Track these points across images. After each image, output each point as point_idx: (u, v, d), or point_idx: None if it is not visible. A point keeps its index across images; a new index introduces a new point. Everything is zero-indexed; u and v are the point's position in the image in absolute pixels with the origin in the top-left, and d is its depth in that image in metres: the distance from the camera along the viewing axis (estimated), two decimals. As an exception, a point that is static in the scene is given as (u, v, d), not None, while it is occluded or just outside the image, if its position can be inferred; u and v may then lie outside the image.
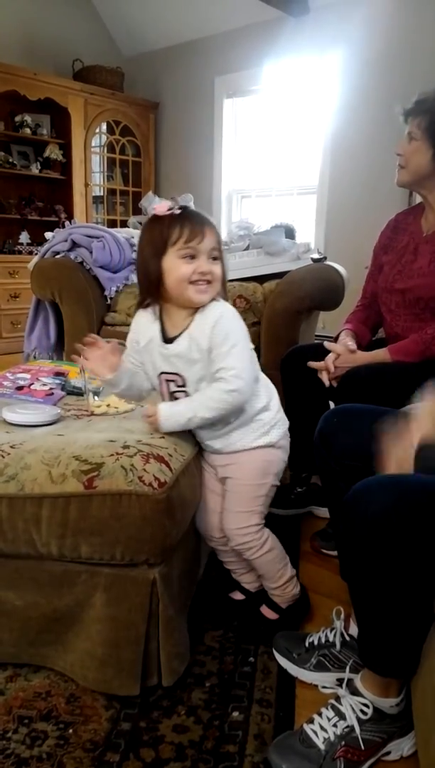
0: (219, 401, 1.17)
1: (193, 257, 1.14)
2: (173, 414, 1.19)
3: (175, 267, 1.14)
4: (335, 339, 1.74)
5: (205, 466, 1.34)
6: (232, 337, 1.17)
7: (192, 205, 1.19)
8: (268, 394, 1.29)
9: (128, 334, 1.31)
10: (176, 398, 1.25)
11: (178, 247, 1.13)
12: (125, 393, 1.31)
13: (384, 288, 1.71)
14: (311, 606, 1.44)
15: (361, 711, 1.01)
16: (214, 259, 1.17)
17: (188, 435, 1.31)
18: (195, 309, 1.19)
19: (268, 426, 1.28)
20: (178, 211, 1.15)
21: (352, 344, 1.64)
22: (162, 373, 1.24)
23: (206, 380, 1.20)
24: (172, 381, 1.24)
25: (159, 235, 1.15)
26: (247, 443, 1.27)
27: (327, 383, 1.63)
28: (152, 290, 1.20)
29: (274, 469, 1.31)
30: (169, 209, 1.15)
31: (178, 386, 1.24)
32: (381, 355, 1.58)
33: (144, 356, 1.27)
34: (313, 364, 1.67)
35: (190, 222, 1.14)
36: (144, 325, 1.26)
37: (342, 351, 1.63)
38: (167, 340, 1.22)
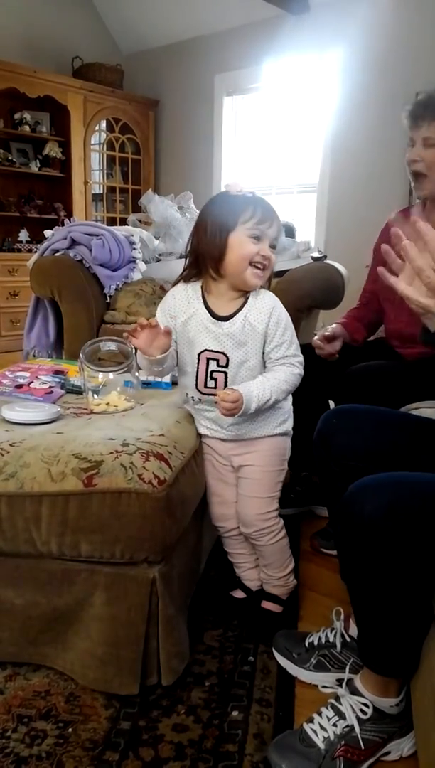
0: (291, 384, 1.24)
1: (258, 239, 1.17)
2: (252, 396, 1.18)
3: (241, 244, 1.17)
4: None
5: (215, 458, 1.35)
6: (289, 327, 1.25)
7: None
8: None
9: (160, 306, 1.30)
10: (214, 378, 1.25)
11: (249, 225, 1.16)
12: (161, 374, 1.31)
13: (386, 285, 1.69)
14: (310, 604, 1.44)
15: (361, 711, 1.01)
16: (273, 248, 1.20)
17: (188, 432, 1.31)
18: (244, 292, 1.23)
19: (287, 414, 1.34)
20: (250, 194, 1.19)
21: (330, 331, 1.67)
22: (205, 350, 1.24)
23: (249, 364, 1.23)
24: (215, 360, 1.24)
25: (232, 210, 1.17)
26: (269, 430, 1.30)
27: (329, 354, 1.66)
28: (209, 264, 1.20)
29: (288, 455, 1.37)
30: (240, 190, 1.18)
31: (220, 365, 1.24)
32: None
33: (181, 333, 1.27)
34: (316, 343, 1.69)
35: (262, 206, 1.18)
36: (182, 301, 1.26)
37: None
38: (219, 318, 1.22)
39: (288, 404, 1.35)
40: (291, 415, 1.36)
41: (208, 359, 1.24)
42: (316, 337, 1.70)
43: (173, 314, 1.27)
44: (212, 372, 1.25)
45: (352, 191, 4.07)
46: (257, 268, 1.18)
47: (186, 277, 1.27)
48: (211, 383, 1.26)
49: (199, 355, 1.25)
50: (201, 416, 1.34)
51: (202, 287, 1.25)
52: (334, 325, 1.74)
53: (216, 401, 1.19)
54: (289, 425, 1.34)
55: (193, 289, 1.26)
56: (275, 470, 1.34)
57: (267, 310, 1.22)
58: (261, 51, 4.36)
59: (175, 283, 1.29)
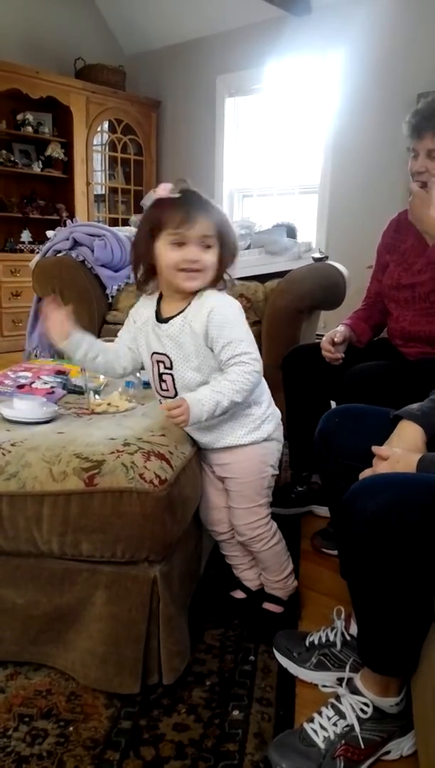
0: (244, 383, 1.17)
1: (180, 244, 1.14)
2: (200, 400, 1.14)
3: (164, 253, 1.15)
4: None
5: (205, 464, 1.35)
6: (237, 324, 1.19)
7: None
8: (259, 389, 1.28)
9: (131, 312, 1.34)
10: (164, 381, 1.25)
11: (167, 232, 1.14)
12: (89, 364, 1.31)
13: (391, 285, 1.70)
14: (310, 604, 1.44)
15: (361, 710, 1.01)
16: (208, 247, 1.16)
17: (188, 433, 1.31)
18: (192, 294, 1.21)
19: (259, 421, 1.27)
20: (177, 195, 1.14)
21: (339, 336, 1.67)
22: (154, 353, 1.25)
23: (192, 364, 1.21)
24: (161, 362, 1.24)
25: (154, 218, 1.16)
26: (237, 439, 1.26)
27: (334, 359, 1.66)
28: (145, 273, 1.22)
29: (271, 460, 1.32)
30: (171, 191, 1.15)
31: (166, 368, 1.24)
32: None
33: (139, 336, 1.29)
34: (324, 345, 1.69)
35: (184, 208, 1.13)
36: (142, 305, 1.30)
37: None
38: (162, 320, 1.23)
39: (259, 410, 1.28)
40: (266, 421, 1.29)
41: (157, 361, 1.25)
42: (324, 340, 1.69)
43: (134, 318, 1.31)
44: (162, 374, 1.25)
45: (353, 192, 4.07)
46: (188, 271, 1.16)
47: (138, 285, 1.28)
48: (163, 385, 1.26)
49: (151, 357, 1.26)
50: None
51: (160, 292, 1.26)
52: (341, 328, 1.73)
53: (162, 407, 1.19)
54: (263, 432, 1.28)
55: (154, 294, 1.27)
56: (254, 479, 1.29)
57: (205, 311, 1.17)
58: (263, 52, 4.37)
59: (138, 291, 1.31)
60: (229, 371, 1.18)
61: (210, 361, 1.21)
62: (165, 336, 1.22)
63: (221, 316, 1.17)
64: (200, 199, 1.16)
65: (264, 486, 1.31)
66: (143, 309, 1.29)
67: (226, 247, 1.18)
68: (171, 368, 1.23)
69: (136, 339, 1.30)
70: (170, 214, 1.12)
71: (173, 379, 1.24)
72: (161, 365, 1.25)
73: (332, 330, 1.71)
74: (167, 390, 1.26)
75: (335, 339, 1.66)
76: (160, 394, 1.29)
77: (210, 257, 1.17)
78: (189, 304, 1.21)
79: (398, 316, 1.69)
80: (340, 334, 1.67)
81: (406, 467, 0.98)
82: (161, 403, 1.30)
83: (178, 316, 1.21)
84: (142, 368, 1.35)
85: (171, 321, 1.21)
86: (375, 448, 1.05)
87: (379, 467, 1.01)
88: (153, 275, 1.23)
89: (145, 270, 1.22)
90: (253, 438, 1.27)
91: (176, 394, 1.24)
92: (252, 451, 1.28)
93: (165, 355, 1.23)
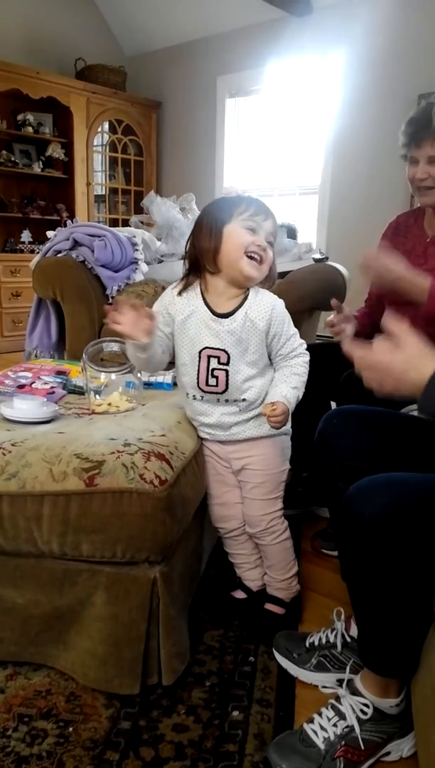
0: (306, 372, 1.29)
1: (254, 231, 1.19)
2: (289, 399, 1.22)
3: (237, 233, 1.18)
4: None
5: (215, 461, 1.35)
6: (289, 320, 1.28)
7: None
8: None
9: (158, 302, 1.30)
10: (215, 376, 1.25)
11: (244, 216, 1.19)
12: (147, 364, 1.27)
13: (391, 290, 1.69)
14: (311, 605, 1.44)
15: (361, 711, 1.01)
16: (270, 244, 1.22)
17: (189, 432, 1.31)
18: (244, 290, 1.24)
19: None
20: (245, 194, 1.23)
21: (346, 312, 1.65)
22: (206, 348, 1.24)
23: (248, 359, 1.24)
24: (216, 357, 1.24)
25: (226, 206, 1.20)
26: (267, 430, 1.29)
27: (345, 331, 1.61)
28: (206, 258, 1.21)
29: (289, 454, 1.38)
30: (236, 192, 1.23)
31: (221, 363, 1.24)
32: (421, 282, 1.42)
33: (179, 331, 1.27)
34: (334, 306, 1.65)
35: (257, 203, 1.22)
36: (181, 299, 1.26)
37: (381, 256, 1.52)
38: (219, 315, 1.23)
39: None
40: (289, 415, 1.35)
41: (208, 357, 1.24)
42: (329, 318, 1.65)
43: (171, 312, 1.27)
44: (213, 370, 1.25)
45: (353, 193, 4.07)
46: (253, 259, 1.19)
47: (186, 283, 1.27)
48: (212, 381, 1.25)
49: (200, 352, 1.25)
50: (198, 423, 1.34)
51: (200, 285, 1.26)
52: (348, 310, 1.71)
53: (268, 418, 1.20)
54: (287, 425, 1.33)
55: (192, 287, 1.26)
56: (277, 471, 1.34)
57: (268, 308, 1.23)
58: (263, 53, 4.37)
59: (177, 286, 1.29)
60: (292, 364, 1.27)
61: (265, 356, 1.27)
62: (225, 332, 1.22)
63: (281, 313, 1.25)
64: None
65: (283, 479, 1.36)
66: (181, 302, 1.26)
67: (274, 255, 1.25)
68: (227, 363, 1.24)
69: (177, 336, 1.28)
70: (245, 204, 1.19)
71: (227, 375, 1.24)
72: (214, 360, 1.24)
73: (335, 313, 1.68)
74: (216, 386, 1.26)
75: (334, 319, 1.63)
76: (205, 390, 1.27)
77: (271, 253, 1.22)
78: (245, 299, 1.23)
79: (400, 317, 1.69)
80: (348, 310, 1.64)
81: (418, 374, 0.82)
82: (195, 398, 1.29)
83: (239, 311, 1.22)
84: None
85: (233, 316, 1.22)
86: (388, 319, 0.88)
87: (378, 352, 0.87)
88: (209, 263, 1.21)
89: (207, 256, 1.21)
90: (282, 429, 1.30)
91: (226, 389, 1.25)
92: (277, 442, 1.34)
93: (222, 350, 1.23)
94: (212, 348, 1.24)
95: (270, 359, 1.29)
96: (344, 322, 1.63)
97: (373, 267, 1.46)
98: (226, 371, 1.24)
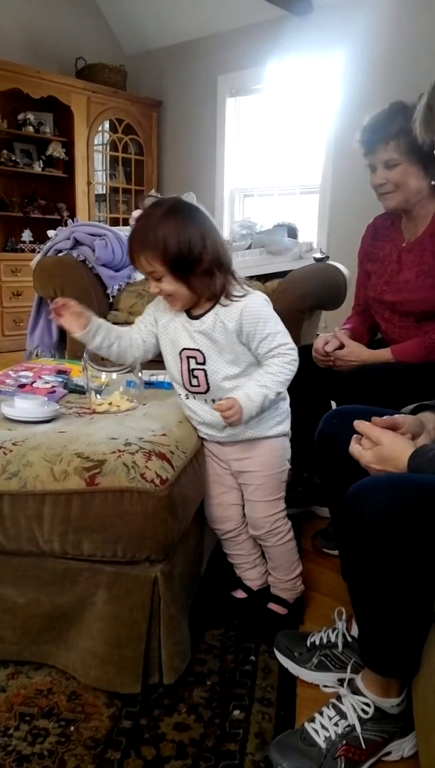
0: (286, 373, 1.23)
1: (148, 279, 1.22)
2: (250, 396, 1.19)
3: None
4: None
5: (214, 462, 1.36)
6: (269, 317, 1.23)
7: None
8: None
9: (147, 309, 1.36)
10: (195, 376, 1.27)
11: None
12: (104, 351, 1.35)
13: (374, 298, 1.71)
14: (312, 604, 1.44)
15: (362, 710, 1.01)
16: (158, 280, 1.18)
17: (190, 432, 1.31)
18: (215, 300, 1.23)
19: (284, 414, 1.34)
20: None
21: (331, 346, 1.66)
22: (184, 349, 1.27)
23: (226, 358, 1.24)
24: (193, 358, 1.26)
25: None
26: (264, 431, 1.30)
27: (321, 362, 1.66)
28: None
29: (288, 454, 1.37)
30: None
31: (198, 363, 1.26)
32: (384, 354, 1.58)
33: (162, 335, 1.31)
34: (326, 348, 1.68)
35: (128, 249, 1.20)
36: (163, 306, 1.30)
37: (349, 343, 1.62)
38: (193, 317, 1.25)
39: (285, 405, 1.35)
40: (288, 416, 1.36)
41: (187, 357, 1.27)
42: (316, 345, 1.67)
43: (157, 317, 1.32)
44: (193, 370, 1.27)
45: (354, 192, 4.05)
46: (166, 300, 1.24)
47: None
48: (194, 381, 1.28)
49: (180, 354, 1.28)
50: (196, 422, 1.34)
51: None
52: (341, 332, 1.72)
53: (215, 408, 1.21)
54: (286, 426, 1.34)
55: None
56: (277, 472, 1.34)
57: (237, 309, 1.21)
58: (264, 52, 4.36)
59: None
60: (270, 363, 1.23)
61: (246, 355, 1.25)
62: (197, 332, 1.24)
63: (253, 312, 1.21)
64: (135, 232, 1.19)
65: (283, 479, 1.35)
66: (165, 307, 1.30)
67: (185, 267, 1.15)
68: (204, 363, 1.25)
69: (154, 336, 1.33)
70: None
71: (206, 374, 1.26)
72: (192, 361, 1.26)
73: (323, 336, 1.68)
74: (198, 386, 1.28)
75: (327, 347, 1.64)
76: (190, 390, 1.30)
77: (166, 286, 1.19)
78: (215, 304, 1.23)
79: (386, 329, 1.71)
80: (332, 344, 1.65)
81: (395, 468, 0.95)
82: (187, 397, 1.32)
83: (209, 313, 1.23)
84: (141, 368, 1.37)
85: (202, 318, 1.23)
86: (359, 424, 1.01)
87: (365, 456, 0.99)
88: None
89: None
90: (278, 431, 1.32)
91: (208, 389, 1.27)
92: (275, 443, 1.33)
93: (197, 350, 1.25)
94: (189, 349, 1.26)
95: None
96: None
97: (335, 359, 1.62)
98: (205, 371, 1.26)
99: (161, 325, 1.31)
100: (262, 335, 1.21)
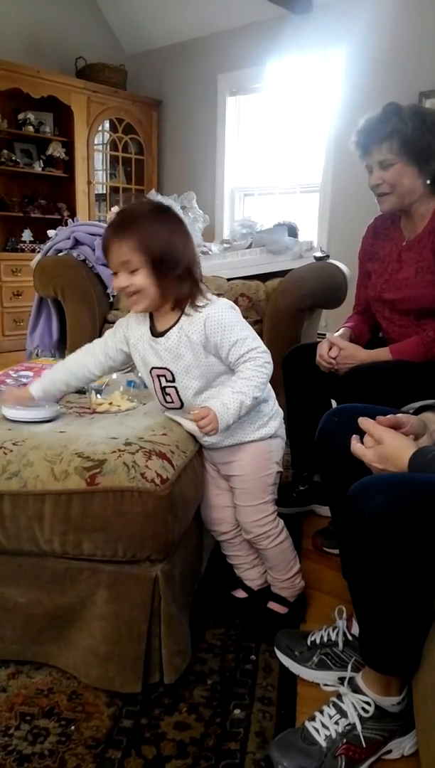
0: (259, 377, 1.19)
1: (115, 273, 1.18)
2: (225, 404, 1.16)
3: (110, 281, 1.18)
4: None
5: (207, 465, 1.35)
6: (235, 324, 1.20)
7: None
8: (266, 387, 1.29)
9: (114, 329, 1.35)
10: (168, 393, 1.26)
11: (101, 261, 1.18)
12: (65, 393, 1.41)
13: (374, 297, 1.71)
14: (312, 603, 1.44)
15: (363, 709, 1.01)
16: (133, 271, 1.15)
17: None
18: (180, 309, 1.21)
19: (266, 418, 1.30)
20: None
21: (334, 351, 1.64)
22: (153, 368, 1.26)
23: (194, 373, 1.21)
24: (163, 376, 1.25)
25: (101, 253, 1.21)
26: (246, 435, 1.28)
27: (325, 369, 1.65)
28: None
29: (276, 457, 1.34)
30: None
31: (168, 381, 1.24)
32: (383, 354, 1.58)
33: (134, 354, 1.30)
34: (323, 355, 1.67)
35: (103, 237, 1.18)
36: (135, 323, 1.29)
37: (346, 346, 1.63)
38: (157, 334, 1.23)
39: (268, 407, 1.31)
40: (273, 418, 1.32)
41: (157, 376, 1.26)
42: (321, 351, 1.66)
43: (127, 336, 1.30)
44: (165, 387, 1.26)
45: (354, 191, 4.05)
46: (129, 296, 1.19)
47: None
48: (167, 398, 1.27)
49: (150, 372, 1.26)
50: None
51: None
52: (342, 331, 1.73)
53: (188, 416, 1.20)
54: (270, 428, 1.31)
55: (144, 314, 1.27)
56: (261, 476, 1.31)
57: (201, 320, 1.18)
58: (264, 51, 4.36)
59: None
60: (242, 369, 1.20)
61: (213, 368, 1.22)
62: (163, 350, 1.22)
63: (218, 321, 1.18)
64: (117, 221, 1.16)
65: (269, 483, 1.32)
66: (135, 327, 1.28)
67: (163, 265, 1.14)
68: (173, 381, 1.24)
69: (123, 353, 1.32)
70: (96, 250, 1.17)
71: (177, 391, 1.24)
72: (162, 379, 1.25)
73: (327, 339, 1.68)
74: (172, 402, 1.27)
75: (331, 353, 1.64)
76: (166, 407, 1.30)
77: (139, 280, 1.15)
78: (181, 315, 1.21)
79: (386, 327, 1.71)
80: (334, 351, 1.65)
81: (396, 468, 0.96)
82: (165, 412, 1.31)
83: (173, 328, 1.21)
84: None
85: (167, 334, 1.21)
86: (363, 421, 1.02)
87: (367, 454, 1.00)
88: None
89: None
90: (261, 434, 1.29)
91: (182, 406, 1.26)
92: (259, 447, 1.30)
93: (165, 368, 1.23)
94: (157, 367, 1.25)
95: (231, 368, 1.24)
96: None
97: (336, 363, 1.61)
98: (175, 388, 1.24)
99: (132, 344, 1.29)
100: (231, 342, 1.18)
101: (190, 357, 1.20)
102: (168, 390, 1.26)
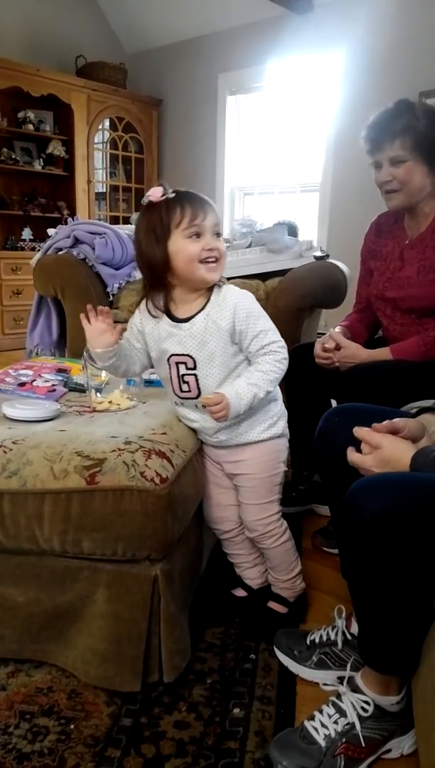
0: (276, 371, 1.20)
1: (199, 235, 1.14)
2: (239, 394, 1.16)
3: (183, 247, 1.14)
4: None
5: (209, 463, 1.35)
6: (260, 316, 1.21)
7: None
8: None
9: (130, 322, 1.31)
10: (186, 381, 1.24)
11: (183, 227, 1.13)
12: (110, 369, 1.30)
13: (376, 295, 1.71)
14: (312, 602, 1.44)
15: (362, 708, 1.01)
16: (217, 235, 1.17)
17: (190, 430, 1.31)
18: (206, 290, 1.20)
19: (275, 417, 1.30)
20: (173, 195, 1.14)
21: (330, 343, 1.65)
22: (172, 355, 1.23)
23: (217, 361, 1.20)
24: (183, 363, 1.23)
25: (159, 220, 1.14)
26: (255, 435, 1.28)
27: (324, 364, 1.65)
28: (160, 278, 1.18)
29: (283, 457, 1.34)
30: (163, 194, 1.14)
31: (189, 368, 1.22)
32: (383, 353, 1.58)
33: (150, 343, 1.27)
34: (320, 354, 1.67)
35: (190, 202, 1.14)
36: (146, 312, 1.25)
37: (347, 345, 1.62)
38: (180, 320, 1.21)
39: (276, 407, 1.31)
40: (281, 418, 1.32)
41: (177, 363, 1.23)
42: (317, 347, 1.68)
43: (140, 328, 1.27)
44: (183, 376, 1.23)
45: (354, 190, 4.06)
46: (209, 262, 1.15)
47: (150, 297, 1.23)
48: (184, 387, 1.24)
49: (168, 360, 1.24)
50: (189, 425, 1.32)
51: (165, 296, 1.22)
52: (338, 329, 1.73)
53: (200, 405, 1.20)
54: (278, 428, 1.31)
55: (157, 299, 1.23)
56: (269, 475, 1.31)
57: (230, 306, 1.18)
58: (264, 50, 4.36)
59: (140, 302, 1.27)
60: (260, 361, 1.20)
61: (234, 357, 1.22)
62: (187, 336, 1.20)
63: (246, 309, 1.19)
64: (196, 192, 1.17)
65: (276, 482, 1.33)
66: (149, 318, 1.25)
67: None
68: (194, 368, 1.22)
69: (148, 347, 1.28)
70: (180, 210, 1.13)
71: (197, 380, 1.23)
72: (182, 366, 1.23)
73: (328, 335, 1.68)
74: (189, 391, 1.24)
75: (326, 345, 1.65)
76: (180, 396, 1.27)
77: (223, 245, 1.17)
78: (208, 301, 1.20)
79: (387, 325, 1.71)
80: (337, 338, 1.65)
81: (396, 470, 0.96)
82: (177, 404, 1.30)
83: (199, 314, 1.20)
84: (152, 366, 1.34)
85: (192, 320, 1.20)
86: (358, 431, 1.02)
87: (366, 461, 1.00)
88: (163, 286, 1.20)
89: (160, 275, 1.18)
90: (270, 434, 1.29)
91: (199, 395, 1.23)
92: (268, 446, 1.30)
93: (187, 356, 1.21)
94: (178, 354, 1.22)
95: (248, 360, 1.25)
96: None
97: (335, 359, 1.62)
98: (195, 375, 1.22)
99: (147, 333, 1.26)
100: (255, 332, 1.19)
101: (215, 344, 1.19)
102: (186, 378, 1.23)
